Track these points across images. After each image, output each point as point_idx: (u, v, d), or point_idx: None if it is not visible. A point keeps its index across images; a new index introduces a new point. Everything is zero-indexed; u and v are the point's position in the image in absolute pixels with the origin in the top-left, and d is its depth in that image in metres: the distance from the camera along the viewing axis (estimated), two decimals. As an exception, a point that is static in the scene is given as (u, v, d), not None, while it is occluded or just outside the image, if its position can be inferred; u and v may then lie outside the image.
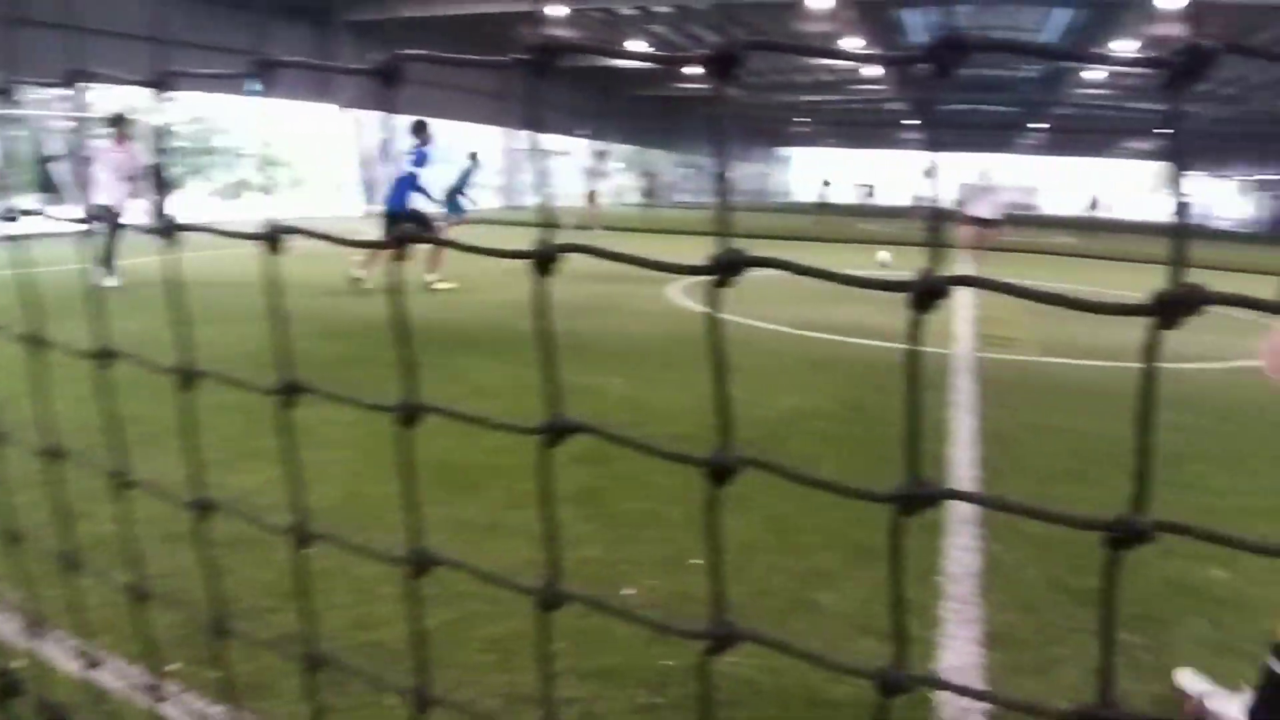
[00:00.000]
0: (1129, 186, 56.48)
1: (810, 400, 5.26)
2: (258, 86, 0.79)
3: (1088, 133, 49.27)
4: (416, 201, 9.54)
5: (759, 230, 17.56)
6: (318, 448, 3.86)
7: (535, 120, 0.62)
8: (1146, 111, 38.89)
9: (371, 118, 23.71)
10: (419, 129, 9.75)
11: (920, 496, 0.45)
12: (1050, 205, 52.96)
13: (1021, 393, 5.78)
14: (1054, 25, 27.10)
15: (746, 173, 51.28)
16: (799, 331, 7.46)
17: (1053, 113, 43.00)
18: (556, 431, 0.64)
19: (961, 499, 0.50)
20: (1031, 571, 2.99)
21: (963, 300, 9.30)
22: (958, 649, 2.51)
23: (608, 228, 18.56)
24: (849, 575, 2.90)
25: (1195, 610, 2.74)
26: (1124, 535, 0.42)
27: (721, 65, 0.49)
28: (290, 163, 22.34)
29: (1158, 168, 60.98)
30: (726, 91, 0.52)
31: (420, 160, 9.62)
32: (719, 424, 0.58)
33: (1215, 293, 0.43)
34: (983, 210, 15.02)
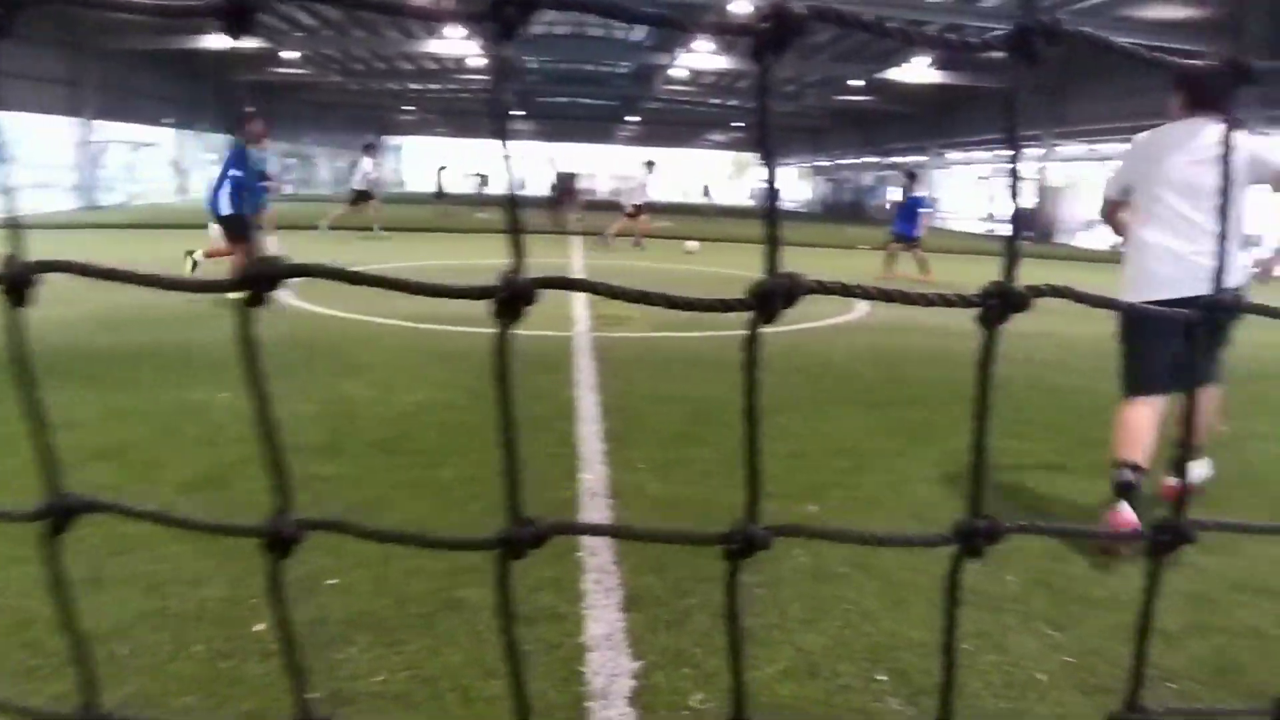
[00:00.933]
0: (711, 175, 63.22)
1: (437, 393, 5.18)
2: None
3: (675, 125, 54.31)
4: (235, 201, 8.21)
5: (386, 222, 16.95)
6: None
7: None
8: (722, 107, 43.78)
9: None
10: (243, 121, 8.48)
11: (524, 538, 0.42)
12: (653, 193, 57.53)
13: (638, 367, 6.21)
14: (640, 26, 29.32)
15: (354, 161, 49.29)
16: (422, 325, 7.31)
17: (645, 107, 46.76)
18: (60, 514, 0.50)
19: (568, 532, 0.48)
20: (660, 533, 3.21)
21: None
22: (601, 617, 2.61)
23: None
24: (490, 567, 2.89)
25: (795, 544, 3.12)
26: (742, 546, 0.42)
27: (235, 17, 0.41)
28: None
29: (733, 157, 69.11)
30: (243, 47, 0.44)
31: (238, 156, 8.37)
32: (276, 485, 0.50)
33: (809, 282, 0.44)
34: (636, 199, 16.55)
